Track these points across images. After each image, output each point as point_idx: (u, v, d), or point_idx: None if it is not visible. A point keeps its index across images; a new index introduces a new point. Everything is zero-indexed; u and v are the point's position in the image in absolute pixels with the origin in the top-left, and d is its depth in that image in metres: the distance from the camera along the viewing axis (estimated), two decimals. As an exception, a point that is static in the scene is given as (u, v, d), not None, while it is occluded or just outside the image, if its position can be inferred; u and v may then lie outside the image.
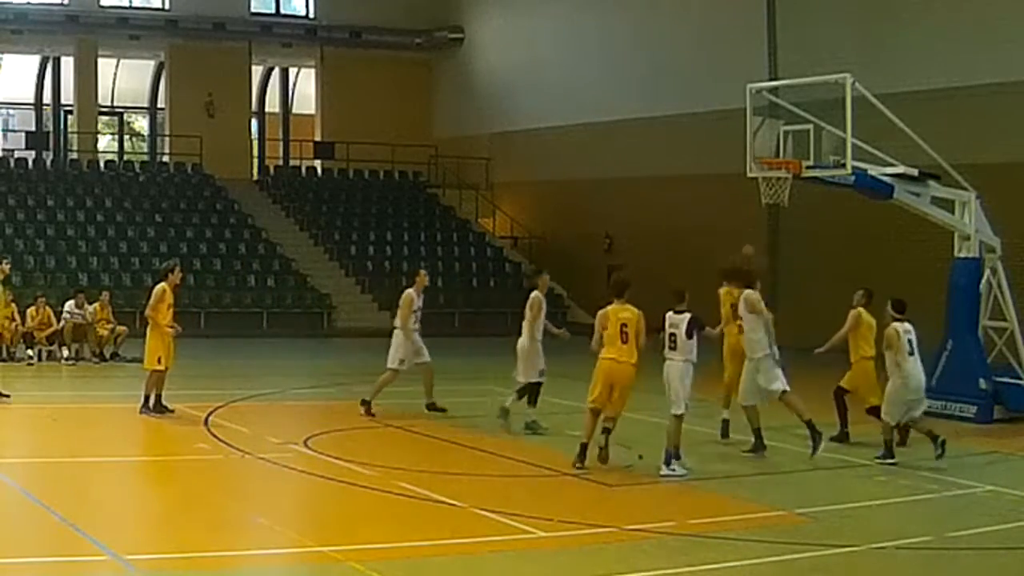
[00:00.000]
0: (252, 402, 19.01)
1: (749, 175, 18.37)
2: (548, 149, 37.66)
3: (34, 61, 41.33)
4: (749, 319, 15.07)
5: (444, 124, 42.07)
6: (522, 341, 16.57)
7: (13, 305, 23.22)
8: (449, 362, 26.77)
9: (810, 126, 17.91)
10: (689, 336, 13.81)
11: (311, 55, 42.07)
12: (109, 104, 41.64)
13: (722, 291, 16.13)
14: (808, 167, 17.73)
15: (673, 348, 13.91)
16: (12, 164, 37.56)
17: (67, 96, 40.24)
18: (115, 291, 28.08)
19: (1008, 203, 20.54)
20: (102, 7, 38.44)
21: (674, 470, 13.67)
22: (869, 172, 18.14)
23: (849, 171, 17.69)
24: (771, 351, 14.97)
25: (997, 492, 13.23)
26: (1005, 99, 25.29)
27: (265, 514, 11.72)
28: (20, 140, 40.70)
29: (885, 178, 18.30)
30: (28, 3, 37.96)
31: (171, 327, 17.43)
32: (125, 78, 41.93)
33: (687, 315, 13.92)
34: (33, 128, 40.92)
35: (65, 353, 24.22)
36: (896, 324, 14.71)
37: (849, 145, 17.45)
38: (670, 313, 14.03)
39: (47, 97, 41.30)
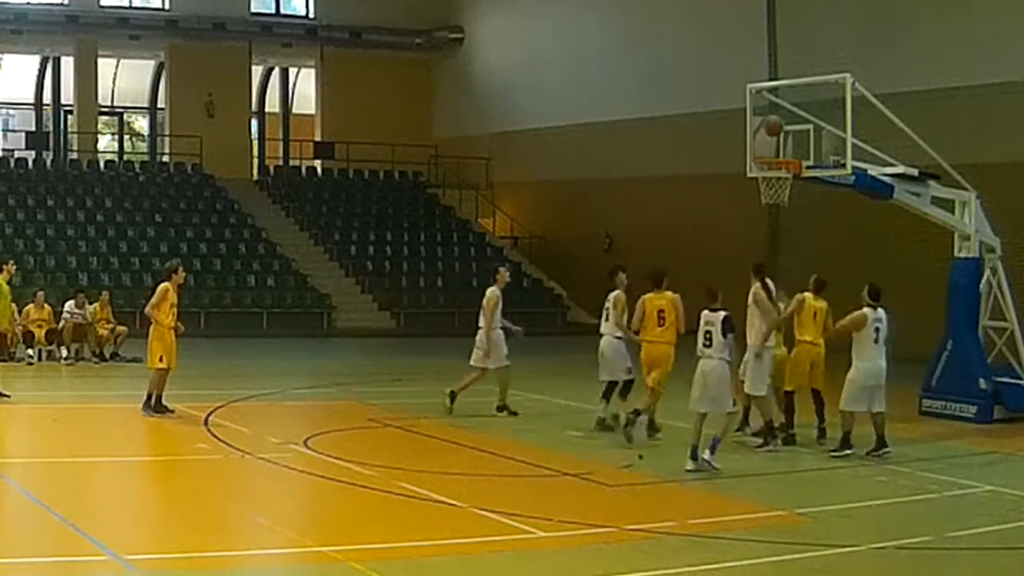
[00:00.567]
0: (252, 402, 19.01)
1: (749, 175, 18.37)
2: (548, 149, 37.67)
3: (34, 61, 41.35)
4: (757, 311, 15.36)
5: (444, 124, 42.08)
6: (605, 341, 16.65)
7: (13, 306, 23.24)
8: (449, 362, 26.81)
9: (810, 126, 17.90)
10: (724, 335, 13.87)
11: (311, 55, 42.08)
12: (109, 104, 41.65)
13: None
14: (808, 167, 17.72)
15: (708, 346, 13.97)
16: (12, 164, 37.56)
17: (67, 96, 40.25)
18: (115, 291, 28.06)
19: (1008, 203, 20.54)
20: (102, 7, 38.44)
21: (711, 462, 13.75)
22: (869, 172, 18.13)
23: (849, 171, 17.68)
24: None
25: (997, 492, 13.22)
26: (1005, 99, 25.29)
27: (265, 514, 11.72)
28: (20, 140, 40.71)
29: (885, 178, 18.29)
30: (28, 3, 37.96)
31: (175, 327, 17.41)
32: (125, 78, 41.94)
33: (722, 313, 14.02)
34: (33, 128, 40.93)
35: (65, 353, 24.21)
36: (867, 310, 14.82)
37: (849, 145, 17.44)
38: (705, 312, 14.13)
39: (47, 97, 41.31)
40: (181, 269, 17.96)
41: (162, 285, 17.55)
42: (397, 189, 40.99)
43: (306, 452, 14.65)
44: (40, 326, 24.45)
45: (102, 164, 38.98)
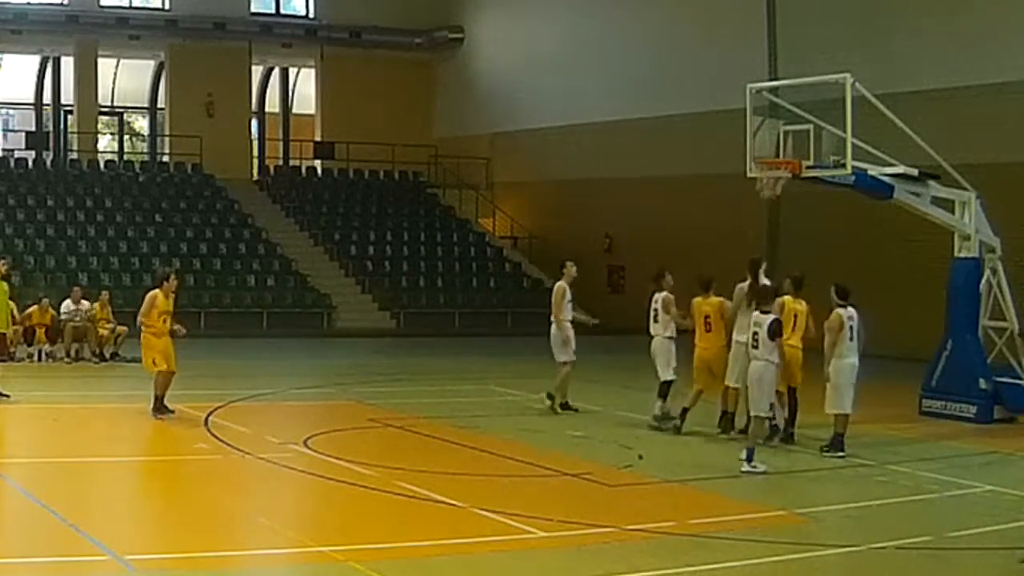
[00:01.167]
0: (252, 402, 19.01)
1: (749, 175, 18.37)
2: (548, 149, 37.68)
3: (34, 61, 41.36)
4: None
5: (444, 124, 42.08)
6: (657, 341, 16.91)
7: (12, 304, 23.25)
8: (449, 362, 26.85)
9: (810, 126, 17.90)
10: (771, 337, 13.88)
11: (311, 55, 42.08)
12: (109, 104, 41.67)
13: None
14: (808, 167, 17.73)
15: (755, 347, 14.01)
16: (12, 164, 37.57)
17: (67, 96, 40.26)
18: (115, 291, 28.03)
19: (1008, 203, 20.53)
20: (102, 7, 38.44)
21: (755, 467, 13.77)
22: (869, 172, 18.13)
23: (849, 171, 17.67)
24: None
25: (997, 492, 13.22)
26: (1005, 99, 25.28)
27: (265, 514, 11.71)
28: (20, 140, 40.74)
29: (885, 178, 18.28)
30: (28, 3, 37.95)
31: (174, 330, 17.34)
32: (125, 78, 41.96)
33: (771, 316, 14.05)
34: (33, 128, 40.95)
35: (64, 353, 24.21)
36: (840, 310, 14.85)
37: (849, 145, 17.43)
38: (756, 312, 14.11)
39: (47, 97, 41.33)
40: (173, 277, 17.76)
41: (151, 293, 17.44)
42: (397, 189, 40.99)
43: (306, 452, 14.64)
44: (41, 327, 24.45)
45: (102, 164, 38.99)
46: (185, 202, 37.06)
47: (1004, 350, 18.65)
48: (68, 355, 24.22)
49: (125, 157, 41.77)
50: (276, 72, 44.15)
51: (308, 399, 20.57)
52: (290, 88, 44.51)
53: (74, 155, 39.22)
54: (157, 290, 17.44)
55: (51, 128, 41.18)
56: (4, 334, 20.62)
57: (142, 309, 17.40)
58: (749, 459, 13.79)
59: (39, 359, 24.13)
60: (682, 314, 16.76)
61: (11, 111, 44.23)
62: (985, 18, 26.00)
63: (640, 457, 14.58)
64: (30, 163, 37.84)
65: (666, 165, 33.55)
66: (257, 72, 42.44)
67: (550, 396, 18.12)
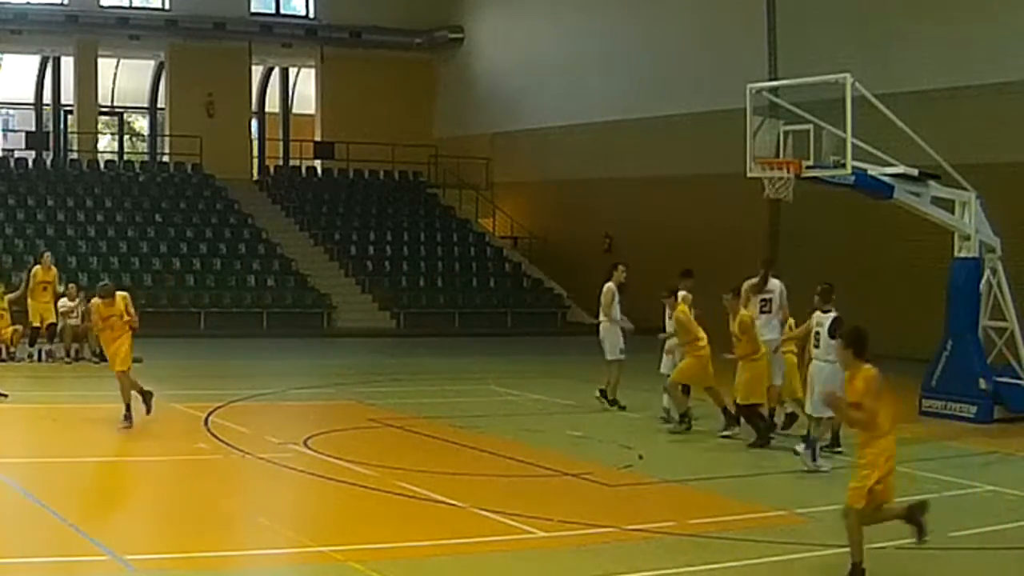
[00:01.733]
0: (252, 402, 19.01)
1: (749, 175, 18.37)
2: (548, 149, 37.67)
3: (34, 61, 41.35)
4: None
5: (444, 124, 42.07)
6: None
7: (6, 298, 23.34)
8: (449, 362, 26.85)
9: (810, 126, 17.90)
10: (831, 335, 13.81)
11: (311, 55, 42.07)
12: (109, 104, 41.66)
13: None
14: (808, 167, 17.73)
15: (817, 347, 14.04)
16: (12, 164, 37.55)
17: (67, 96, 40.24)
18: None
19: (1008, 203, 20.53)
20: (102, 7, 38.43)
21: (819, 466, 13.79)
22: (869, 172, 18.13)
23: (849, 171, 17.67)
24: None
25: (997, 492, 13.22)
26: (1005, 99, 25.26)
27: (265, 514, 11.72)
28: (20, 140, 40.72)
29: (885, 178, 18.28)
30: (28, 3, 37.95)
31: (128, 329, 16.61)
32: (125, 78, 41.94)
33: (832, 315, 13.99)
34: (33, 128, 40.93)
35: (64, 353, 24.21)
36: (820, 315, 14.83)
37: (849, 145, 17.43)
38: (817, 312, 14.11)
39: (47, 97, 41.31)
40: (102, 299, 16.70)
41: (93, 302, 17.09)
42: (397, 189, 40.98)
43: (306, 452, 14.65)
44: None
45: (102, 164, 38.98)
46: (185, 202, 37.05)
47: (1004, 350, 18.66)
48: (68, 355, 24.21)
49: (125, 157, 41.74)
50: (276, 72, 44.14)
51: (308, 399, 20.57)
52: (290, 88, 44.50)
53: (74, 155, 39.20)
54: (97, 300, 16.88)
55: (51, 128, 41.17)
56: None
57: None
58: (814, 458, 13.81)
59: (39, 359, 24.13)
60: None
61: (11, 111, 44.21)
62: (985, 18, 25.98)
63: (640, 457, 14.58)
64: (30, 163, 37.82)
65: (666, 165, 33.54)
66: (257, 72, 42.42)
67: (602, 393, 18.21)
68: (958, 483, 13.66)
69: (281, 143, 43.92)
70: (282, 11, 41.69)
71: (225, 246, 35.40)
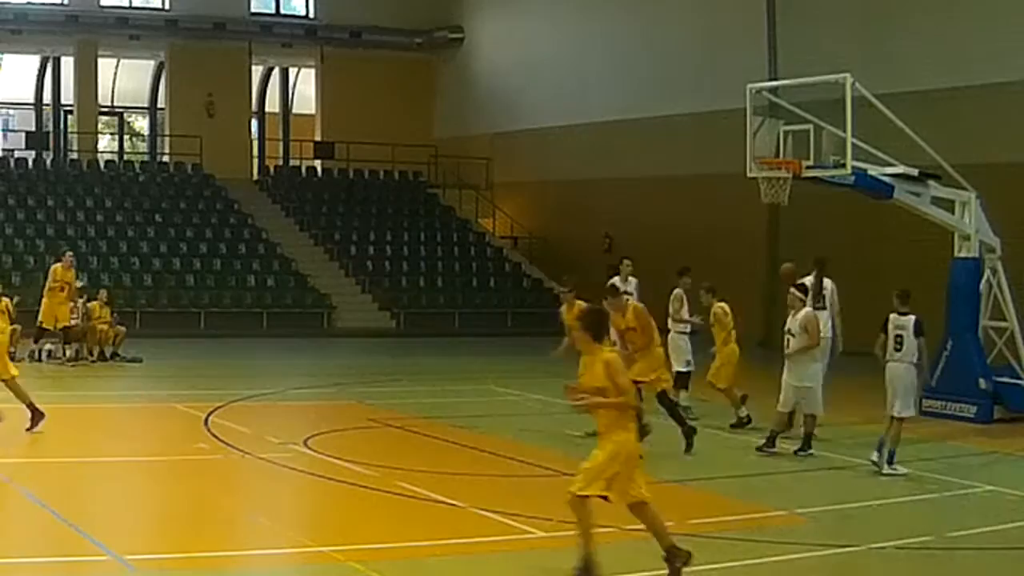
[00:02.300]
0: (252, 402, 19.00)
1: (749, 175, 18.38)
2: (548, 149, 37.66)
3: (34, 61, 41.33)
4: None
5: (444, 124, 42.07)
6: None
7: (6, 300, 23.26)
8: (449, 362, 26.86)
9: (810, 126, 17.90)
10: (916, 336, 14.00)
11: (311, 55, 42.07)
12: (109, 104, 41.64)
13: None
14: (808, 167, 17.73)
15: (899, 350, 14.06)
16: (12, 164, 37.55)
17: (67, 96, 40.23)
18: (115, 291, 28.06)
19: (1008, 203, 20.54)
20: (102, 7, 38.43)
21: (896, 469, 13.80)
22: (869, 172, 18.14)
23: (849, 171, 17.68)
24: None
25: (997, 492, 13.22)
26: (1005, 99, 25.27)
27: (265, 514, 11.72)
28: (20, 140, 40.68)
29: (885, 178, 18.29)
30: (28, 3, 37.94)
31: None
32: (125, 78, 41.93)
33: (912, 317, 14.12)
34: (33, 128, 40.90)
35: (65, 353, 24.21)
36: (897, 317, 14.82)
37: (849, 145, 17.44)
38: (893, 315, 14.18)
39: (47, 97, 41.29)
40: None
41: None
42: (397, 189, 40.98)
43: (306, 452, 14.65)
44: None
45: (102, 164, 38.98)
46: (185, 202, 37.05)
47: (1004, 350, 18.66)
48: (68, 352, 24.20)
49: (125, 157, 41.73)
50: (276, 72, 44.13)
51: (308, 399, 20.57)
52: (290, 88, 44.49)
53: (74, 155, 39.20)
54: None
55: (51, 128, 41.15)
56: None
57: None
58: (891, 461, 13.82)
59: (39, 359, 24.12)
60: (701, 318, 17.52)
61: (11, 111, 44.19)
62: (985, 18, 25.98)
63: (640, 457, 14.54)
64: (30, 163, 37.81)
65: (666, 165, 33.53)
66: (257, 72, 42.41)
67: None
68: (958, 483, 13.66)
69: (281, 143, 43.91)
70: (282, 11, 41.69)
71: (225, 246, 35.41)
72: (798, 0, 30.38)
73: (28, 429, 15.24)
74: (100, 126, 41.36)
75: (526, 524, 11.14)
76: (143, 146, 44.76)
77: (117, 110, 42.73)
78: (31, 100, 41.92)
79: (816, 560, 10.40)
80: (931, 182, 18.67)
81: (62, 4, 38.07)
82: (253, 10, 40.63)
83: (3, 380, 15.63)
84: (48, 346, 24.42)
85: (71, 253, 26.19)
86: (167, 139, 40.36)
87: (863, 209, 22.37)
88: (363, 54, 41.21)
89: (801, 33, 29.71)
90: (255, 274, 34.41)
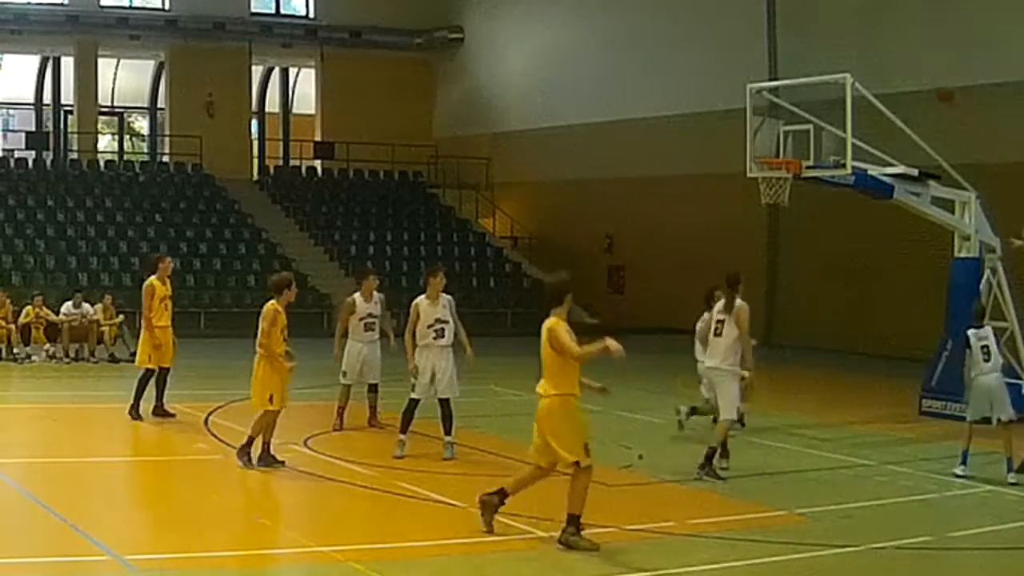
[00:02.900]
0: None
1: (749, 175, 18.38)
2: (548, 149, 37.67)
3: (34, 61, 41.35)
4: None
5: (444, 124, 42.09)
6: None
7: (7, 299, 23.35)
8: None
9: (810, 126, 17.91)
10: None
11: (311, 55, 42.06)
12: (109, 104, 41.65)
13: None
14: (808, 167, 17.74)
15: (987, 360, 14.19)
16: (12, 164, 37.55)
17: (67, 96, 40.25)
18: (115, 291, 28.07)
19: (1008, 203, 20.53)
20: (102, 7, 38.43)
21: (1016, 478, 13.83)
22: (869, 172, 18.14)
23: (849, 171, 17.69)
24: None
25: (997, 492, 13.23)
26: (1005, 99, 25.28)
27: (265, 514, 11.72)
28: (20, 140, 40.69)
29: (885, 178, 18.30)
30: (28, 3, 37.94)
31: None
32: (125, 78, 41.94)
33: (989, 329, 14.41)
34: (33, 128, 40.92)
35: (64, 353, 24.22)
36: (977, 331, 14.71)
37: (849, 145, 17.45)
38: (971, 331, 14.32)
39: (47, 97, 41.31)
40: (168, 259, 17.42)
41: (147, 282, 17.27)
42: (397, 189, 40.98)
43: (306, 452, 14.65)
44: (37, 327, 24.44)
45: (102, 164, 38.98)
46: (185, 202, 37.05)
47: (1004, 350, 18.64)
48: (68, 355, 24.22)
49: (125, 157, 41.75)
50: (276, 72, 44.14)
51: (308, 399, 20.55)
52: (290, 88, 44.50)
53: (74, 155, 39.19)
54: (152, 278, 17.35)
55: (51, 128, 41.17)
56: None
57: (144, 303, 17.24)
58: (1010, 469, 13.83)
59: (39, 359, 24.12)
60: None
61: (11, 111, 44.22)
62: (985, 18, 26.00)
63: (640, 457, 14.57)
64: (30, 163, 37.82)
65: (666, 165, 33.54)
66: (257, 72, 42.41)
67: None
68: (958, 483, 13.67)
69: (281, 143, 43.92)
70: (282, 11, 41.70)
71: (225, 246, 35.40)
72: (798, 0, 30.38)
73: None
74: (100, 126, 41.35)
75: (526, 524, 11.14)
76: (143, 146, 44.77)
77: (117, 110, 42.74)
78: (31, 100, 41.93)
79: (816, 560, 10.41)
80: (931, 182, 18.67)
81: (62, 4, 38.07)
82: (253, 10, 40.64)
83: None
84: (48, 346, 24.42)
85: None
86: (167, 139, 40.36)
87: (863, 209, 22.36)
88: (363, 54, 41.21)
89: (801, 33, 29.73)
90: (255, 274, 34.40)
